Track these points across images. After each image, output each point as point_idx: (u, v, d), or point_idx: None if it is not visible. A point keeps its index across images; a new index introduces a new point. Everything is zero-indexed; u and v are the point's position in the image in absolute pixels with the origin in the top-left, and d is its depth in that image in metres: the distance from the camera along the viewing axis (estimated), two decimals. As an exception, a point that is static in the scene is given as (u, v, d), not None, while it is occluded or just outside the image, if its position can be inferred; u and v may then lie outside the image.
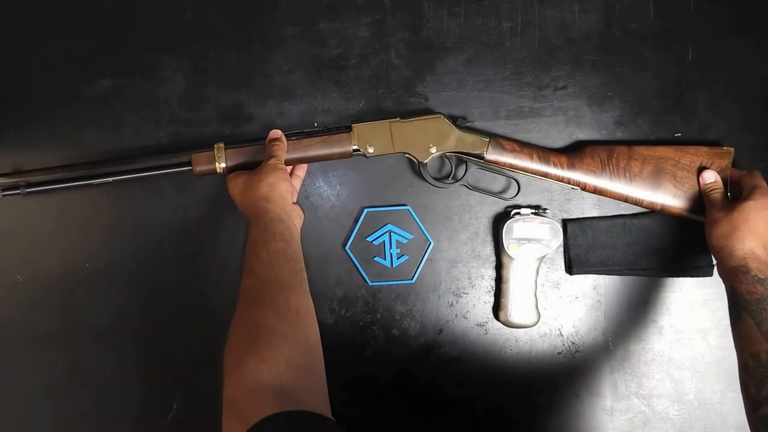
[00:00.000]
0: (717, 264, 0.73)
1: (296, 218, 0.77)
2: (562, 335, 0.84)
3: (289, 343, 0.60)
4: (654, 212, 0.82)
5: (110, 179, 0.80)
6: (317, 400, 0.58)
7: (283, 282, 0.65)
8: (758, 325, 0.65)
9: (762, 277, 0.67)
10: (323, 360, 0.63)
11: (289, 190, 0.75)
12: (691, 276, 0.83)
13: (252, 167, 0.77)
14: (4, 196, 0.80)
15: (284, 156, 0.78)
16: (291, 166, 0.81)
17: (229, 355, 0.59)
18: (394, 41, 0.85)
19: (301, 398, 0.55)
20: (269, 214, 0.70)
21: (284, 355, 0.58)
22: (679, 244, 0.82)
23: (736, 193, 0.77)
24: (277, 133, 0.79)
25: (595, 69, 0.85)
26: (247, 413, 0.52)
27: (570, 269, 0.84)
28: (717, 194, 0.76)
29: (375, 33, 0.85)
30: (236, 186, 0.76)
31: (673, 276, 0.83)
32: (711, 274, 0.82)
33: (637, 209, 0.83)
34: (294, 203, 0.79)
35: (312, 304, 0.67)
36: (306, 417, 0.52)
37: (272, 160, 0.75)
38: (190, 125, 0.85)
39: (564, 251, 0.84)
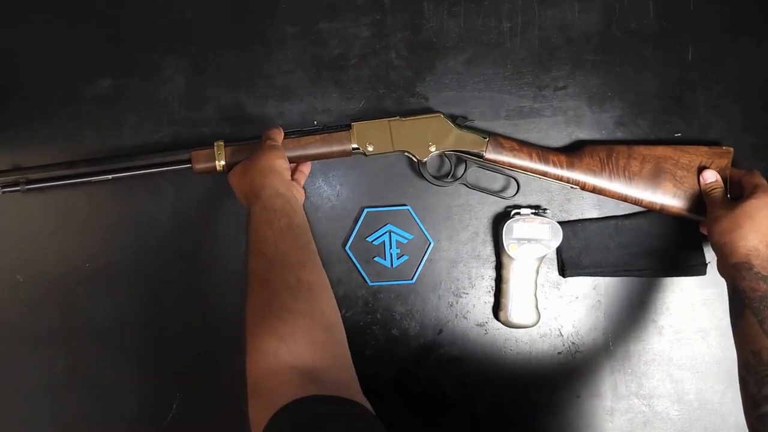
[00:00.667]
0: (718, 260, 0.73)
1: (297, 194, 0.75)
2: (562, 335, 0.85)
3: (306, 320, 0.58)
4: (646, 212, 0.83)
5: (110, 177, 0.80)
6: (344, 379, 0.56)
7: (291, 260, 0.64)
8: (761, 322, 0.65)
9: (765, 274, 0.67)
10: (345, 335, 0.61)
11: (286, 167, 0.74)
12: (686, 275, 0.83)
13: None
14: (3, 192, 0.81)
15: (281, 139, 0.78)
16: (294, 163, 0.81)
17: (247, 338, 0.58)
18: (394, 41, 0.86)
19: (326, 377, 0.54)
20: (266, 191, 0.69)
21: (302, 333, 0.57)
22: (673, 244, 0.83)
23: (735, 193, 0.77)
24: (274, 125, 0.80)
25: (595, 69, 0.85)
26: (271, 395, 0.51)
27: (563, 272, 0.84)
28: (718, 193, 0.77)
29: (375, 33, 0.86)
30: (235, 173, 0.75)
31: (667, 276, 0.84)
32: (704, 273, 0.83)
33: (630, 210, 0.84)
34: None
35: (326, 276, 0.65)
36: (336, 403, 0.50)
37: (268, 141, 0.75)
38: (190, 125, 0.86)
39: (557, 254, 0.84)
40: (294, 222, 0.67)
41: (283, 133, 0.79)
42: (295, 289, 0.61)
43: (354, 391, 0.55)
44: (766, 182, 0.75)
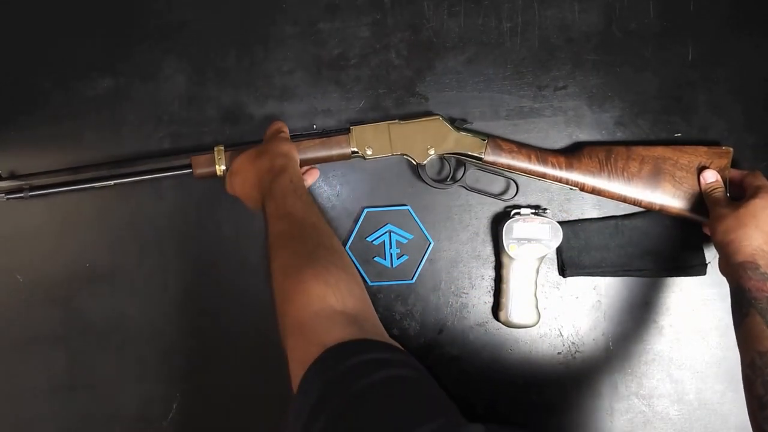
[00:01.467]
0: (721, 259, 0.74)
1: None
2: (562, 335, 0.87)
3: (345, 274, 0.61)
4: (646, 213, 0.85)
5: (112, 183, 0.82)
6: (381, 329, 0.58)
7: (322, 228, 0.66)
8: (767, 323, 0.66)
9: None
10: None
11: (299, 163, 0.77)
12: (685, 275, 0.85)
13: None
14: (8, 199, 0.83)
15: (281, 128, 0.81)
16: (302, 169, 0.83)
17: (286, 281, 0.60)
18: (394, 41, 0.88)
19: (368, 326, 0.56)
20: (291, 169, 0.72)
21: (345, 284, 0.59)
22: (672, 244, 0.85)
23: (735, 194, 0.79)
24: (278, 120, 0.83)
25: (595, 69, 0.87)
26: (320, 334, 0.53)
27: (563, 272, 0.86)
28: (719, 193, 0.79)
29: (375, 33, 0.88)
30: (248, 156, 0.76)
31: (666, 276, 0.86)
32: (704, 273, 0.85)
33: (630, 210, 0.85)
34: None
35: None
36: (387, 349, 0.52)
37: (282, 134, 0.78)
38: (190, 125, 0.88)
39: (557, 254, 0.86)
40: (316, 202, 0.70)
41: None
42: (330, 249, 0.63)
43: (390, 341, 0.56)
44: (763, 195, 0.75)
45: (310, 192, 0.70)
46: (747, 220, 0.72)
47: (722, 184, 0.80)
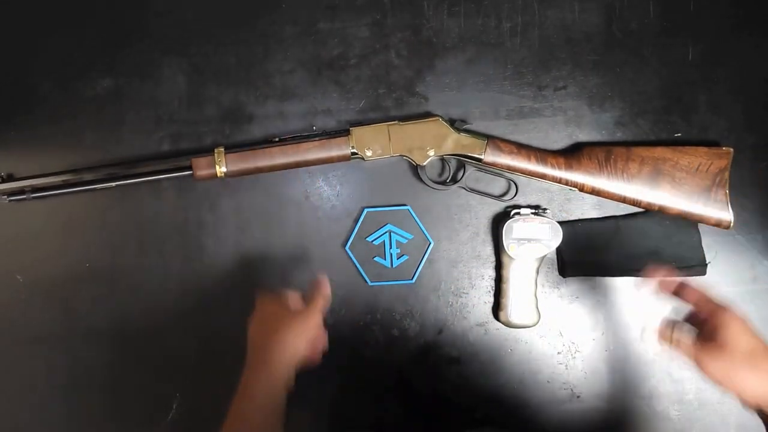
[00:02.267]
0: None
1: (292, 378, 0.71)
2: (562, 335, 0.88)
3: None
4: (646, 213, 0.86)
5: (113, 184, 0.84)
6: None
7: None
8: None
9: None
10: None
11: (305, 347, 0.71)
12: (685, 275, 0.86)
13: (252, 172, 0.82)
14: (10, 201, 0.85)
15: (327, 295, 0.75)
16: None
17: None
18: (394, 41, 0.89)
19: None
20: (277, 366, 0.68)
21: None
22: (672, 244, 0.86)
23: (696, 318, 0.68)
24: (325, 283, 0.75)
25: (595, 69, 0.88)
26: None
27: (563, 272, 0.87)
28: (686, 340, 0.65)
29: (375, 33, 0.89)
30: (263, 316, 0.74)
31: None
32: (704, 273, 0.85)
33: (630, 210, 0.86)
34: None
35: None
36: None
37: (313, 305, 0.72)
38: (190, 125, 0.89)
39: (557, 254, 0.87)
40: (282, 410, 0.68)
41: (329, 288, 0.75)
42: None
43: None
44: (732, 321, 0.63)
45: (283, 398, 0.67)
46: (738, 363, 0.62)
47: (682, 326, 0.66)
